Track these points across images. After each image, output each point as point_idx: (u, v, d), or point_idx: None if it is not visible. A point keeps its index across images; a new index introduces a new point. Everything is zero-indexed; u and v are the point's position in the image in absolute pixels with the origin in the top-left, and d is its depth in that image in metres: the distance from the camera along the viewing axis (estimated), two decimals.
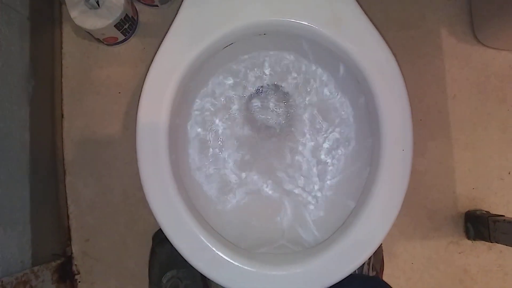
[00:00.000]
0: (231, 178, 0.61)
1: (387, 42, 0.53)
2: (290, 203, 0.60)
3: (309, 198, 0.60)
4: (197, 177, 0.60)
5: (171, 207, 0.51)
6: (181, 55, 0.53)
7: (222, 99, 0.62)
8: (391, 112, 0.51)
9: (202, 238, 0.50)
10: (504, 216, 0.78)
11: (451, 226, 0.83)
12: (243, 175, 0.61)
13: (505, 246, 0.76)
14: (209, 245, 0.50)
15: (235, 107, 0.62)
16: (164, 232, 0.50)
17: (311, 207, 0.59)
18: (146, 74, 0.53)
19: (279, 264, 0.50)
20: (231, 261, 0.49)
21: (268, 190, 0.61)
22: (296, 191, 0.60)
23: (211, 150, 0.61)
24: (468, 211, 0.83)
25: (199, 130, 0.61)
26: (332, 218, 0.56)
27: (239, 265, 0.49)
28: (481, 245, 0.82)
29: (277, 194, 0.61)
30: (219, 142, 0.62)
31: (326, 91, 0.61)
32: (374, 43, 0.52)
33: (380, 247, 0.80)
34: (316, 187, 0.60)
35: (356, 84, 0.56)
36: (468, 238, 0.82)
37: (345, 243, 0.50)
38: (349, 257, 0.49)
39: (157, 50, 0.53)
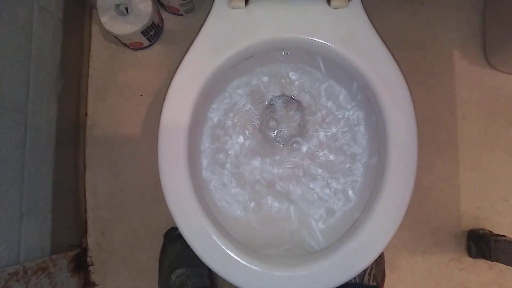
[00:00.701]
0: (241, 185, 0.64)
1: (398, 62, 0.56)
2: (297, 212, 0.63)
3: (317, 209, 0.62)
4: (209, 180, 0.63)
5: (187, 205, 0.54)
6: (206, 63, 0.56)
7: (238, 108, 0.65)
8: (398, 129, 0.54)
9: (213, 236, 0.53)
10: (505, 236, 0.79)
11: (454, 243, 0.84)
12: (253, 182, 0.64)
13: (506, 266, 0.77)
14: (219, 243, 0.53)
15: (249, 116, 0.66)
16: (178, 228, 0.53)
17: (317, 216, 0.62)
18: (171, 79, 0.56)
19: (284, 265, 0.53)
20: (239, 260, 0.52)
21: (276, 198, 0.64)
22: (305, 201, 0.63)
23: (223, 156, 0.64)
24: (471, 229, 0.84)
25: (213, 135, 0.64)
26: (337, 226, 0.59)
27: (246, 264, 0.52)
28: (482, 263, 0.83)
29: (285, 203, 0.64)
30: (231, 150, 0.65)
31: (339, 105, 0.64)
32: (385, 63, 0.55)
33: (382, 258, 0.82)
34: (324, 198, 0.63)
35: (367, 101, 0.59)
36: (470, 255, 0.83)
37: (348, 249, 0.52)
38: (352, 262, 0.52)
39: (183, 57, 0.57)
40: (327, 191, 0.64)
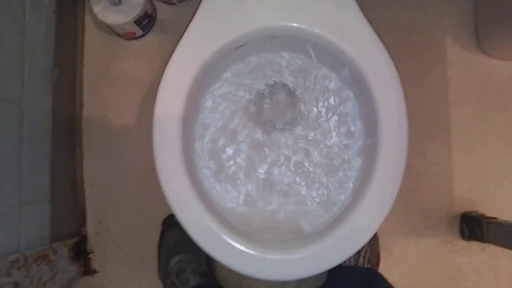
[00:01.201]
0: (234, 173, 0.65)
1: (389, 48, 0.57)
2: (290, 196, 0.64)
3: (311, 193, 0.64)
4: (203, 167, 0.63)
5: (182, 193, 0.55)
6: (198, 52, 0.57)
7: (231, 96, 0.66)
8: (388, 112, 0.55)
9: (209, 222, 0.54)
10: (497, 218, 0.81)
11: (447, 226, 0.86)
12: (246, 169, 0.65)
13: (498, 247, 0.78)
14: (215, 229, 0.54)
15: (242, 104, 0.66)
16: (174, 214, 0.54)
17: (312, 201, 0.63)
18: (163, 68, 0.57)
19: (279, 249, 0.54)
20: (235, 244, 0.54)
21: (269, 183, 0.65)
22: (298, 186, 0.64)
23: (216, 144, 0.65)
24: (464, 212, 0.86)
25: (206, 124, 0.64)
26: (331, 210, 0.61)
27: (242, 248, 0.53)
28: (475, 245, 0.85)
29: (279, 187, 0.65)
30: (224, 138, 0.65)
31: (331, 89, 0.65)
32: (375, 50, 0.56)
33: (376, 242, 0.84)
34: (318, 182, 0.64)
35: (357, 86, 0.60)
36: (463, 238, 0.85)
37: (341, 232, 0.54)
38: (345, 245, 0.53)
39: (175, 47, 0.57)
40: (322, 175, 0.64)
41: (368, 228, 0.53)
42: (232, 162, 0.65)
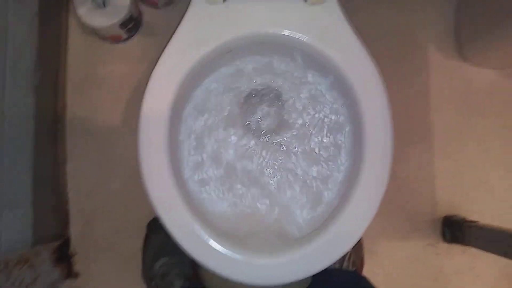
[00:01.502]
0: (219, 175, 0.64)
1: (373, 55, 0.58)
2: (276, 200, 0.64)
3: (297, 197, 0.64)
4: (188, 170, 0.63)
5: (167, 195, 0.54)
6: (186, 57, 0.56)
7: (216, 101, 0.66)
8: (373, 118, 0.55)
9: (194, 225, 0.54)
10: (478, 222, 0.82)
11: (429, 229, 0.87)
12: (232, 172, 0.65)
13: (478, 250, 0.80)
14: (200, 233, 0.54)
15: (228, 108, 0.66)
16: (158, 216, 0.54)
17: (298, 205, 0.63)
18: (150, 72, 0.56)
19: (265, 253, 0.54)
20: (219, 249, 0.53)
21: (255, 186, 0.65)
22: (284, 190, 0.65)
23: (202, 146, 0.65)
24: (446, 216, 0.87)
25: (192, 126, 0.64)
26: (317, 214, 0.61)
27: (227, 253, 0.53)
28: (456, 248, 0.86)
29: (265, 190, 0.65)
30: (210, 141, 0.65)
31: (319, 94, 0.65)
32: (360, 57, 0.57)
33: (361, 245, 0.85)
34: (305, 186, 0.64)
35: (344, 92, 0.61)
36: (445, 241, 0.87)
37: (327, 236, 0.54)
38: (331, 249, 0.54)
39: (162, 51, 0.57)
40: (308, 179, 0.65)
41: (353, 232, 0.54)
42: (217, 164, 0.65)
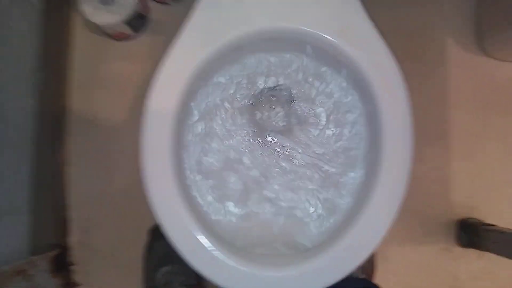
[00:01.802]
0: (224, 181, 0.61)
1: (393, 50, 0.54)
2: (286, 209, 0.61)
3: (307, 204, 0.61)
4: (193, 176, 0.60)
5: (171, 203, 0.52)
6: (194, 53, 0.53)
7: (224, 99, 0.63)
8: (393, 121, 0.52)
9: (197, 235, 0.51)
10: (495, 225, 0.79)
11: (444, 233, 0.84)
12: (238, 177, 0.62)
13: (496, 255, 0.76)
14: (204, 243, 0.51)
15: (237, 108, 0.63)
16: (161, 227, 0.51)
17: (308, 213, 0.60)
18: (156, 71, 0.53)
19: (274, 265, 0.51)
20: (226, 260, 0.50)
21: (264, 193, 0.62)
22: (293, 196, 0.61)
23: (206, 149, 0.62)
24: (462, 218, 0.84)
25: (197, 128, 0.61)
26: (329, 223, 0.57)
27: (234, 264, 0.50)
28: (472, 252, 0.83)
29: (275, 198, 0.62)
30: (216, 143, 0.62)
31: (331, 92, 0.62)
32: (380, 53, 0.53)
33: None
34: (316, 192, 0.61)
35: (359, 90, 0.57)
36: (460, 245, 0.83)
37: (340, 247, 0.50)
38: (344, 261, 0.50)
39: (171, 46, 0.53)
40: (320, 184, 0.61)
41: (368, 243, 0.50)
42: (222, 169, 0.62)
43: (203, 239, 0.51)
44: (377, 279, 0.80)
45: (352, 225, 0.51)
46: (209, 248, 0.51)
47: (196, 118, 0.60)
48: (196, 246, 0.51)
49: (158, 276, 0.76)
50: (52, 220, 0.81)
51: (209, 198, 0.60)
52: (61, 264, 0.80)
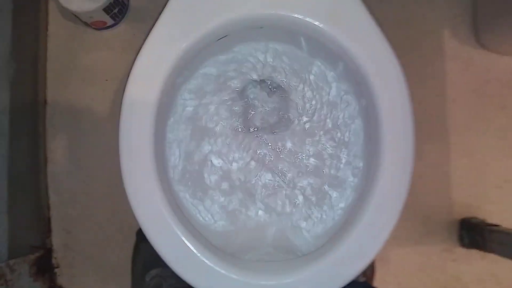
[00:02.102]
0: (214, 181, 0.58)
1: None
2: (280, 211, 0.57)
3: (303, 205, 0.57)
4: (177, 178, 0.56)
5: (154, 206, 0.47)
6: (173, 44, 0.49)
7: (210, 93, 0.59)
8: (392, 117, 0.48)
9: (185, 241, 0.47)
10: (500, 225, 0.75)
11: (445, 233, 0.81)
12: (228, 177, 0.58)
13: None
14: (193, 249, 0.47)
15: (225, 103, 0.59)
16: (143, 231, 0.47)
17: (304, 214, 0.56)
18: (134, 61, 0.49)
19: (268, 272, 0.47)
20: (216, 267, 0.46)
21: (257, 195, 0.58)
22: (288, 197, 0.58)
23: (192, 148, 0.58)
24: (464, 218, 0.81)
25: (183, 127, 0.57)
26: (327, 224, 0.54)
27: (224, 272, 0.46)
28: (475, 253, 0.80)
29: (265, 198, 0.58)
30: (202, 141, 0.58)
31: (326, 86, 0.58)
32: (377, 43, 0.49)
33: None
34: (311, 192, 0.57)
35: (356, 84, 0.53)
36: (462, 245, 0.80)
37: (339, 253, 0.47)
38: (343, 268, 0.46)
39: (144, 40, 0.49)
40: (316, 183, 0.58)
41: (371, 247, 0.47)
42: (210, 168, 0.58)
43: (190, 244, 0.47)
44: (377, 282, 0.78)
45: (352, 227, 0.47)
46: (197, 254, 0.46)
47: (179, 112, 0.56)
48: (182, 252, 0.47)
49: (147, 280, 0.72)
50: (32, 220, 0.77)
51: (197, 199, 0.56)
52: (44, 267, 0.77)
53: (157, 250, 0.47)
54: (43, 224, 0.79)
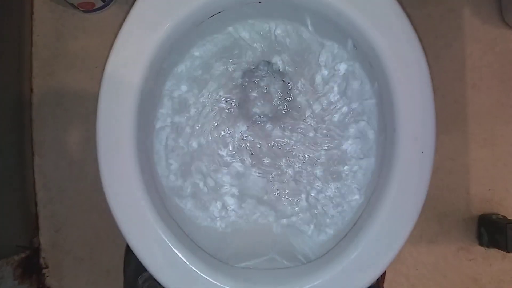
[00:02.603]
0: (210, 178, 0.53)
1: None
2: (282, 210, 0.52)
3: (309, 205, 0.52)
4: (165, 174, 0.51)
5: (136, 208, 0.43)
6: (158, 21, 0.44)
7: (204, 80, 0.53)
8: (410, 104, 0.42)
9: (172, 247, 0.42)
10: None
11: (462, 231, 0.77)
12: (226, 174, 0.53)
13: None
14: (182, 257, 0.42)
15: (220, 91, 0.54)
16: (124, 237, 0.42)
17: (310, 216, 0.51)
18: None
19: (266, 283, 0.42)
20: (208, 278, 0.41)
21: (257, 194, 0.53)
22: (292, 196, 0.53)
23: (185, 142, 0.53)
24: (483, 214, 0.77)
25: (171, 118, 0.52)
26: (334, 227, 0.48)
27: (217, 283, 0.41)
28: (495, 252, 0.76)
29: (265, 197, 0.53)
30: (195, 133, 0.53)
31: (333, 71, 0.53)
32: (394, 20, 0.43)
33: None
34: (317, 187, 0.52)
35: (368, 68, 0.47)
36: (481, 244, 0.76)
37: (347, 262, 0.41)
38: (351, 279, 0.41)
39: (127, 16, 0.44)
40: (323, 181, 0.52)
41: (381, 254, 0.41)
42: (206, 164, 0.53)
43: (178, 250, 0.42)
44: (388, 283, 0.75)
45: (363, 232, 0.42)
46: (185, 261, 0.41)
47: (167, 101, 0.51)
48: (169, 259, 0.42)
49: (140, 283, 0.69)
50: (18, 218, 0.74)
51: (190, 199, 0.52)
52: (31, 268, 0.73)
53: (137, 256, 0.42)
54: (30, 222, 0.76)
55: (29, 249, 0.73)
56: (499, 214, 0.76)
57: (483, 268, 0.77)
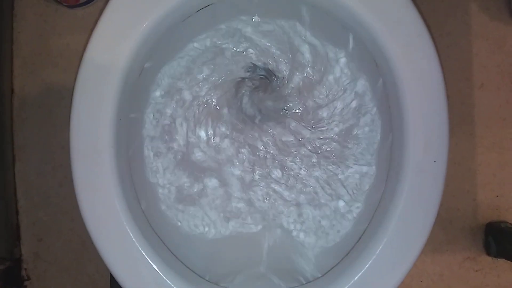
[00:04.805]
0: (202, 184, 0.50)
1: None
2: (279, 219, 0.49)
3: (307, 214, 0.49)
4: (154, 182, 0.48)
5: (114, 221, 0.41)
6: (137, 17, 0.41)
7: (194, 80, 0.51)
8: (421, 107, 0.39)
9: (153, 265, 0.39)
10: None
11: (469, 239, 0.75)
12: (217, 178, 0.51)
13: None
14: (163, 276, 0.38)
15: (209, 96, 0.51)
16: (101, 257, 0.38)
17: (309, 227, 0.48)
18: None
19: None
20: None
21: (246, 197, 0.51)
22: (288, 204, 0.50)
23: (175, 145, 0.51)
24: (490, 222, 0.75)
25: (157, 125, 0.50)
26: (334, 244, 0.45)
27: None
28: (503, 263, 0.74)
29: (260, 204, 0.50)
30: (186, 136, 0.51)
31: (334, 69, 0.50)
32: (402, 11, 0.39)
33: None
34: (316, 199, 0.49)
35: (373, 66, 0.43)
36: (488, 254, 0.74)
37: (353, 279, 0.38)
38: None
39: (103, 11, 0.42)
40: (321, 188, 0.50)
41: (389, 276, 0.38)
42: (197, 168, 0.50)
43: (159, 269, 0.39)
44: None
45: (368, 250, 0.38)
46: (171, 284, 0.37)
47: (155, 104, 0.49)
48: (151, 280, 0.38)
49: None
50: None
51: (181, 203, 0.49)
52: (11, 280, 0.72)
53: (114, 276, 0.38)
54: (11, 231, 0.74)
55: (9, 260, 0.72)
56: (507, 222, 0.74)
57: (490, 279, 0.75)
